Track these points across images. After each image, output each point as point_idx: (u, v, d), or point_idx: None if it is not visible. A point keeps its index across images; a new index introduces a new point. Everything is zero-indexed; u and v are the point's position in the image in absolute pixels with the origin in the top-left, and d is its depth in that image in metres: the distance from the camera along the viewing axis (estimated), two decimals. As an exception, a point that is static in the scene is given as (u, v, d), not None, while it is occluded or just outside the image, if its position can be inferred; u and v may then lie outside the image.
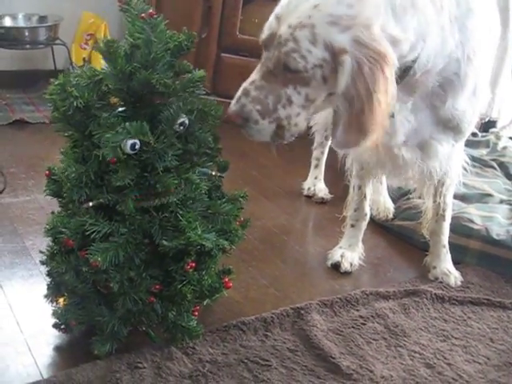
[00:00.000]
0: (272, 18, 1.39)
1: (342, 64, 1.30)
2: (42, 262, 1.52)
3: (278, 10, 1.39)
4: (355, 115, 1.35)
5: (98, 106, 1.37)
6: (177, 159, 1.39)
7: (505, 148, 3.01)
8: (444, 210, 1.96)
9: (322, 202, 2.51)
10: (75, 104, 1.33)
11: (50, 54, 3.30)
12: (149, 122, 1.37)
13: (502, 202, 2.39)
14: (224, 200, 1.56)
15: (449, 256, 2.02)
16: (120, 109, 1.40)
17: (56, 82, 1.35)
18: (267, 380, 1.46)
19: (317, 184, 2.56)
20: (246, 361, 1.51)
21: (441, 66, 1.49)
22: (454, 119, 1.63)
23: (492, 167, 2.79)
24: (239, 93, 1.42)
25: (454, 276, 1.98)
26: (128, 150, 1.31)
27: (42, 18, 3.19)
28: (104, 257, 1.34)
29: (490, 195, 2.40)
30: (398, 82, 1.41)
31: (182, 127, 1.40)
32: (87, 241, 1.37)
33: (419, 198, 2.18)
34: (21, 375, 1.41)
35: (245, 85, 1.42)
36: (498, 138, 3.13)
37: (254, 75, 1.42)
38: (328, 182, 2.58)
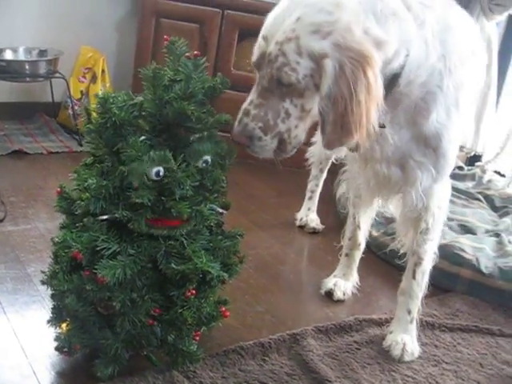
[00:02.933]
0: (260, 39, 1.44)
1: (324, 67, 1.34)
2: (43, 282, 1.55)
3: (263, 31, 1.44)
4: (340, 115, 1.37)
5: (128, 129, 1.45)
6: (193, 190, 1.46)
7: (490, 181, 3.12)
8: (420, 263, 1.78)
9: (314, 232, 2.58)
10: (113, 119, 1.42)
11: (48, 87, 3.37)
12: (171, 152, 1.46)
13: (487, 231, 2.48)
14: (223, 237, 1.62)
15: (413, 328, 1.82)
16: (142, 137, 1.46)
17: (100, 96, 1.44)
18: (266, 403, 1.51)
19: (309, 215, 2.63)
20: (245, 384, 1.56)
21: (424, 78, 1.50)
22: (437, 135, 1.59)
23: (478, 199, 2.88)
24: (240, 114, 1.46)
25: (410, 353, 1.77)
26: (153, 176, 1.39)
27: (42, 52, 3.26)
28: (112, 273, 1.38)
29: (476, 226, 2.49)
30: (387, 92, 1.45)
31: (204, 164, 1.49)
32: (95, 257, 1.42)
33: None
34: (26, 398, 1.45)
35: (244, 105, 1.46)
36: (484, 171, 3.24)
37: (251, 95, 1.46)
38: (321, 213, 2.65)
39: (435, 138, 1.60)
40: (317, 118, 1.47)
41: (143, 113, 1.48)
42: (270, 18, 1.44)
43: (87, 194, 1.43)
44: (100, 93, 1.48)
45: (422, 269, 1.79)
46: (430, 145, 1.61)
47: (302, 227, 2.62)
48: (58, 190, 1.55)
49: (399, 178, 1.67)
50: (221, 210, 1.60)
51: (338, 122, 1.39)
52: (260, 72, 1.45)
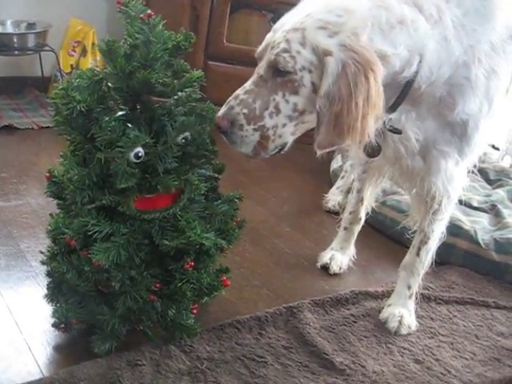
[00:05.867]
0: (269, 32, 1.44)
1: (326, 65, 1.33)
2: (43, 263, 1.55)
3: (274, 25, 1.44)
4: (335, 116, 1.35)
5: (98, 110, 1.40)
6: (176, 161, 1.43)
7: (484, 154, 3.10)
8: (425, 241, 1.77)
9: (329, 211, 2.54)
10: (78, 108, 1.35)
11: (38, 61, 3.32)
12: (149, 126, 1.42)
13: (481, 203, 2.48)
14: (220, 201, 1.60)
15: (411, 302, 1.82)
16: (120, 113, 1.43)
17: (60, 87, 1.38)
18: (264, 376, 1.50)
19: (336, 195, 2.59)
20: (242, 358, 1.56)
21: (447, 75, 1.46)
22: (463, 124, 1.54)
23: (472, 172, 2.87)
24: (230, 98, 1.43)
25: (407, 326, 1.77)
26: (133, 159, 1.36)
27: (31, 25, 3.21)
28: (106, 256, 1.37)
29: (469, 198, 2.48)
30: (402, 97, 1.45)
31: (183, 140, 1.45)
32: (89, 241, 1.41)
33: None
34: (22, 373, 1.44)
35: (236, 91, 1.43)
36: (478, 144, 3.22)
37: (246, 83, 1.43)
38: (316, 187, 2.63)
39: (461, 127, 1.55)
40: (309, 126, 1.45)
41: (111, 85, 1.43)
42: (284, 16, 1.44)
43: (71, 187, 1.40)
44: (60, 82, 1.41)
45: (427, 247, 1.78)
46: (455, 132, 1.56)
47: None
48: (47, 175, 1.51)
49: (421, 168, 1.62)
50: (212, 174, 1.56)
51: (332, 123, 1.36)
52: (260, 62, 1.43)
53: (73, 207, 1.43)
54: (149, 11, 1.42)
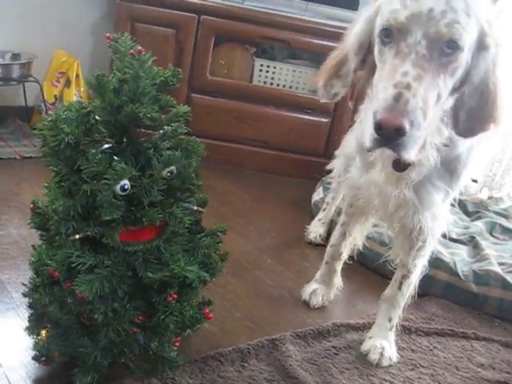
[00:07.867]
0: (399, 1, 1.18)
1: (487, 47, 1.18)
2: (25, 295, 1.54)
3: None
4: (491, 102, 1.21)
5: (86, 142, 1.41)
6: (161, 194, 1.45)
7: (464, 187, 3.16)
8: (408, 276, 1.77)
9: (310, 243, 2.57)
10: (66, 140, 1.36)
11: (21, 91, 3.32)
12: (135, 159, 1.43)
13: (460, 236, 2.52)
14: (203, 234, 1.61)
15: (392, 335, 1.83)
16: (106, 146, 1.45)
17: (48, 119, 1.39)
18: (246, 409, 1.51)
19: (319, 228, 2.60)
20: (224, 391, 1.56)
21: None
22: (456, 159, 1.50)
23: (451, 204, 2.92)
24: (394, 88, 1.11)
25: (388, 357, 1.77)
26: (119, 192, 1.36)
27: (16, 56, 3.22)
28: (89, 288, 1.37)
29: (449, 230, 2.52)
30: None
31: (169, 174, 1.46)
32: (72, 273, 1.41)
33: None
34: (2, 408, 1.43)
35: (396, 78, 1.12)
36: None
37: (402, 66, 1.14)
38: (299, 219, 2.65)
39: (453, 162, 1.51)
40: None
41: (99, 118, 1.44)
42: None
43: (56, 217, 1.40)
44: (50, 113, 1.42)
45: (409, 281, 1.78)
46: (448, 168, 1.52)
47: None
48: (31, 206, 1.51)
49: (412, 202, 1.56)
50: (197, 208, 1.58)
51: (484, 111, 1.22)
52: (408, 37, 1.16)
53: (57, 238, 1.43)
54: (139, 47, 1.45)
